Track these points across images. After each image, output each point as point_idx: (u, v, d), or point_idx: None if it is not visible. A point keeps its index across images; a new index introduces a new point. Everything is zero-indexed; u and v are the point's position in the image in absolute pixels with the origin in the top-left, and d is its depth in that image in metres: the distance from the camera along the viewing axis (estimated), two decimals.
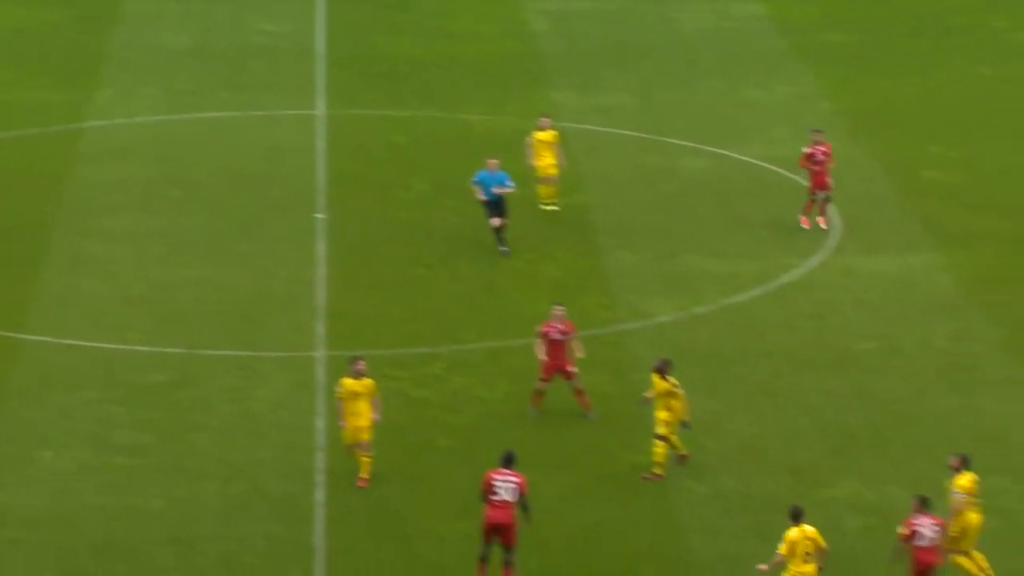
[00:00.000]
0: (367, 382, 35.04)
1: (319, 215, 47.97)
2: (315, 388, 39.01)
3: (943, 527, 30.55)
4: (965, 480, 31.60)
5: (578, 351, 38.07)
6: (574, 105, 57.07)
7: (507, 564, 31.63)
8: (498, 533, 31.82)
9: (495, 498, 31.66)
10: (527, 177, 47.99)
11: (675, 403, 35.35)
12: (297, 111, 56.51)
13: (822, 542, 31.07)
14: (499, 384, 39.35)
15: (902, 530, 30.40)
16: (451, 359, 40.35)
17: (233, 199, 49.83)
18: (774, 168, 51.80)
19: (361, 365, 35.12)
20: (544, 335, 37.73)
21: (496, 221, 45.18)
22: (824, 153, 46.95)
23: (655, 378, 35.26)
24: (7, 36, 64.10)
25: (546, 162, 48.08)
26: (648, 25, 65.53)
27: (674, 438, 35.41)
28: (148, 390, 38.96)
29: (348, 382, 35.05)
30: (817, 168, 46.91)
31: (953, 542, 31.34)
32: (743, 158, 52.64)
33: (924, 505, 30.55)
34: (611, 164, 52.38)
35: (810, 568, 30.81)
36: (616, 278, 44.92)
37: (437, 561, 32.91)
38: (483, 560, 31.84)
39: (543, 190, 48.45)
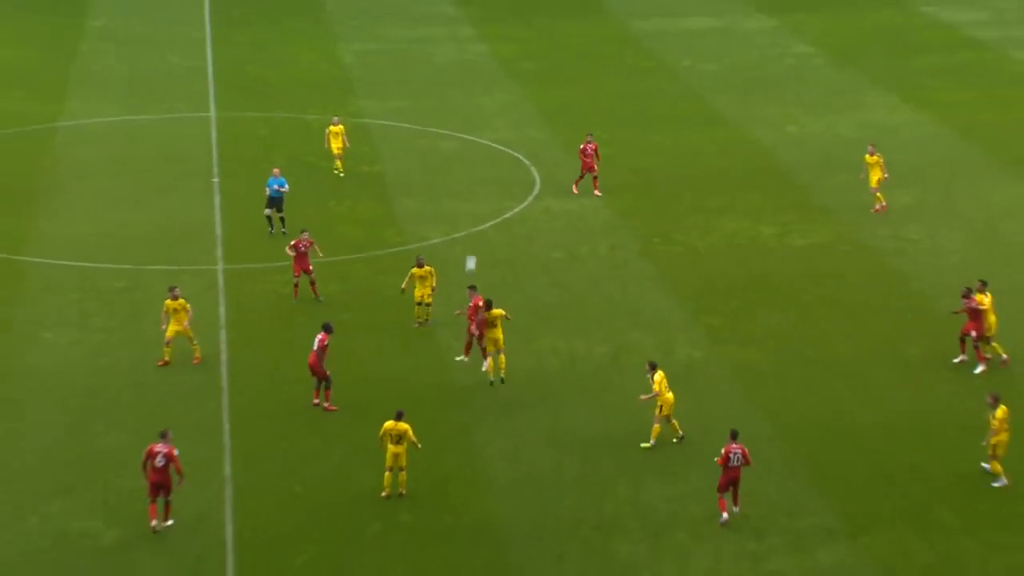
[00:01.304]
0: (182, 302, 33.98)
1: (215, 179, 47.45)
2: (218, 289, 38.57)
3: (744, 452, 27.57)
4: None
5: (318, 255, 37.83)
6: (373, 108, 56.57)
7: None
8: None
9: None
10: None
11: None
12: (197, 114, 55.71)
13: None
14: (333, 284, 38.86)
15: (719, 458, 27.61)
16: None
17: (159, 170, 49.24)
18: (498, 146, 51.65)
19: (177, 291, 34.12)
20: (294, 247, 37.24)
21: (268, 211, 42.18)
22: (592, 148, 45.57)
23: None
24: (2, 66, 62.17)
25: (335, 145, 47.67)
26: (415, 58, 64.89)
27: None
28: (112, 292, 38.78)
29: (168, 302, 33.95)
30: (586, 158, 45.50)
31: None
32: (479, 140, 52.56)
33: (734, 437, 27.77)
34: (397, 146, 52.05)
35: None
36: (402, 216, 44.81)
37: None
38: None
39: (335, 164, 47.74)
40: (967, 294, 34.39)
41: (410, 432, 28.16)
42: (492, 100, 58.04)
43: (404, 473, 28.39)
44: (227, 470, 29.53)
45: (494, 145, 52.00)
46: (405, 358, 34.84)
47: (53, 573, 26.19)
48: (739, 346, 35.49)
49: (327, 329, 32.13)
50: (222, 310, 37.22)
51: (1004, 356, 34.46)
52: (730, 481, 27.63)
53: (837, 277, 39.96)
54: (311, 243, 37.93)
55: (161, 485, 26.92)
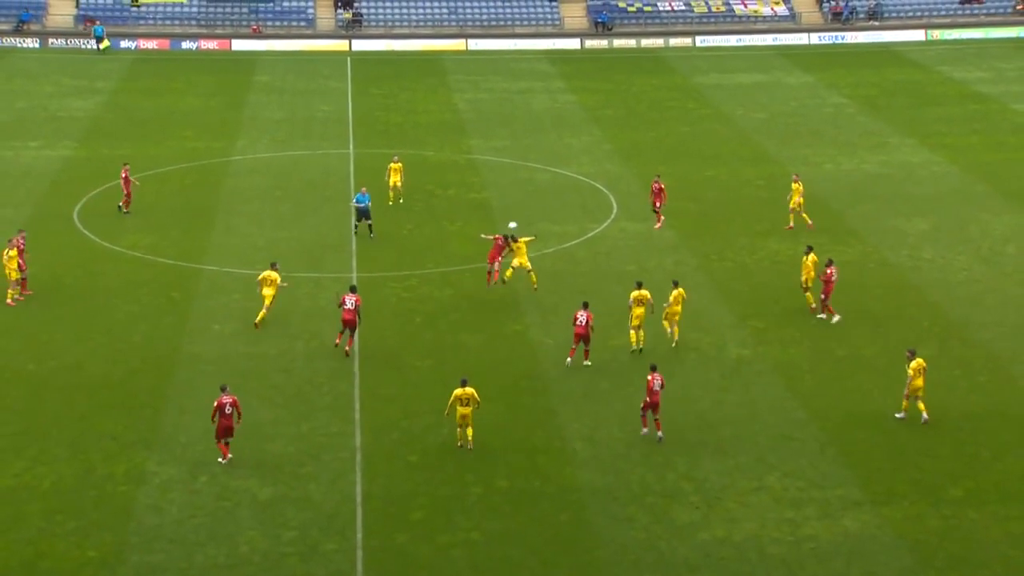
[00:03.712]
0: (275, 276, 34.89)
1: (353, 203, 47.56)
2: None
3: (662, 381, 28.50)
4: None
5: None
6: (481, 147, 56.54)
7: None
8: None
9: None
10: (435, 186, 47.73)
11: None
12: (339, 150, 55.91)
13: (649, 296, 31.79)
14: (446, 289, 39.04)
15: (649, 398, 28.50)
16: (421, 277, 40.08)
17: (307, 195, 49.32)
18: (582, 178, 51.35)
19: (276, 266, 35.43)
20: (497, 248, 37.40)
21: (360, 222, 42.53)
22: (658, 186, 44.77)
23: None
24: (188, 112, 63.25)
25: (394, 179, 46.86)
26: (516, 105, 64.96)
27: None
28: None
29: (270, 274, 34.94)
30: (655, 195, 44.74)
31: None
32: (567, 173, 52.24)
33: (654, 369, 28.51)
34: (499, 177, 51.78)
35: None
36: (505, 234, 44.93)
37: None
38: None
39: (391, 194, 46.26)
40: (829, 264, 35.96)
41: (475, 394, 28.17)
42: (578, 140, 57.70)
43: (471, 430, 28.48)
44: (357, 441, 29.49)
45: (579, 177, 51.72)
46: (502, 351, 34.58)
47: (220, 522, 26.16)
48: (780, 346, 34.90)
49: (353, 290, 33.10)
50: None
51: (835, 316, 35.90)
52: (651, 405, 28.39)
53: (863, 289, 39.04)
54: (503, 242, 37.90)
55: (229, 428, 27.52)
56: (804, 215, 44.71)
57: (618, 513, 26.52)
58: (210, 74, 72.52)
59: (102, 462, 28.18)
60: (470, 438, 28.60)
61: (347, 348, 33.25)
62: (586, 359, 32.96)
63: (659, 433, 28.70)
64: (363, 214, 42.93)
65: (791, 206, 44.79)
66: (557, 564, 24.87)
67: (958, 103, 65.17)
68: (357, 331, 33.31)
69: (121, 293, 38.43)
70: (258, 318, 35.02)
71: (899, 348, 34.71)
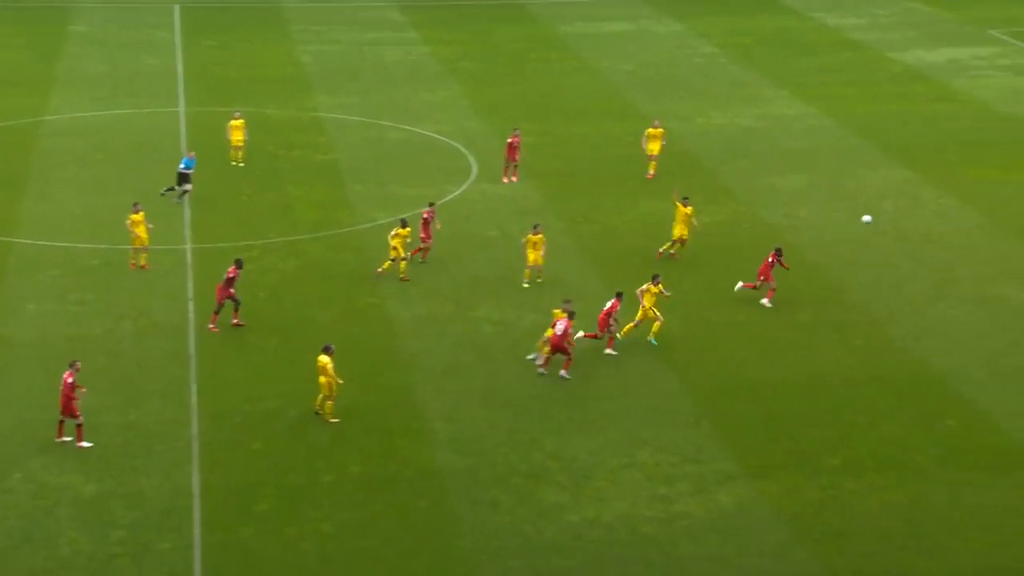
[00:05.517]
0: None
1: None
2: (185, 266, 38.02)
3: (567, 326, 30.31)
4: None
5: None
6: (327, 103, 55.80)
7: None
8: None
9: None
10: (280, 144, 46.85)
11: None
12: (168, 108, 54.68)
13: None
14: (291, 260, 38.66)
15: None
16: (264, 247, 39.52)
17: (132, 158, 48.13)
18: (439, 137, 51.14)
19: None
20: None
21: (177, 188, 42.09)
22: (517, 140, 44.96)
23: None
24: None
25: (236, 137, 46.49)
26: (366, 57, 64.20)
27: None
28: (88, 269, 37.86)
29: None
30: (511, 150, 44.88)
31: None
32: (422, 131, 51.90)
33: (571, 313, 30.48)
34: (348, 136, 51.23)
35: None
36: (354, 200, 44.05)
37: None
38: None
39: (232, 154, 46.05)
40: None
41: (327, 366, 28.27)
42: (434, 96, 57.23)
43: (329, 403, 28.79)
44: (194, 428, 29.05)
45: (435, 136, 51.43)
46: (355, 327, 34.38)
47: (36, 524, 25.43)
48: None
49: (238, 264, 33.16)
50: (190, 284, 36.71)
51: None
52: (555, 348, 30.54)
53: (738, 250, 39.88)
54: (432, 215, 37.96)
55: (66, 407, 27.75)
56: (653, 163, 46.03)
57: (481, 497, 26.66)
58: (16, 23, 69.90)
59: None
60: (327, 410, 28.76)
61: (234, 321, 33.38)
62: (564, 370, 31.26)
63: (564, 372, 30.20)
64: (183, 179, 42.22)
65: (651, 153, 46.03)
66: (416, 553, 24.91)
67: (833, 51, 66.86)
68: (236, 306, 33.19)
69: None
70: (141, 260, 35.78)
71: (775, 313, 35.59)
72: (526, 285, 36.69)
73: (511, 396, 30.78)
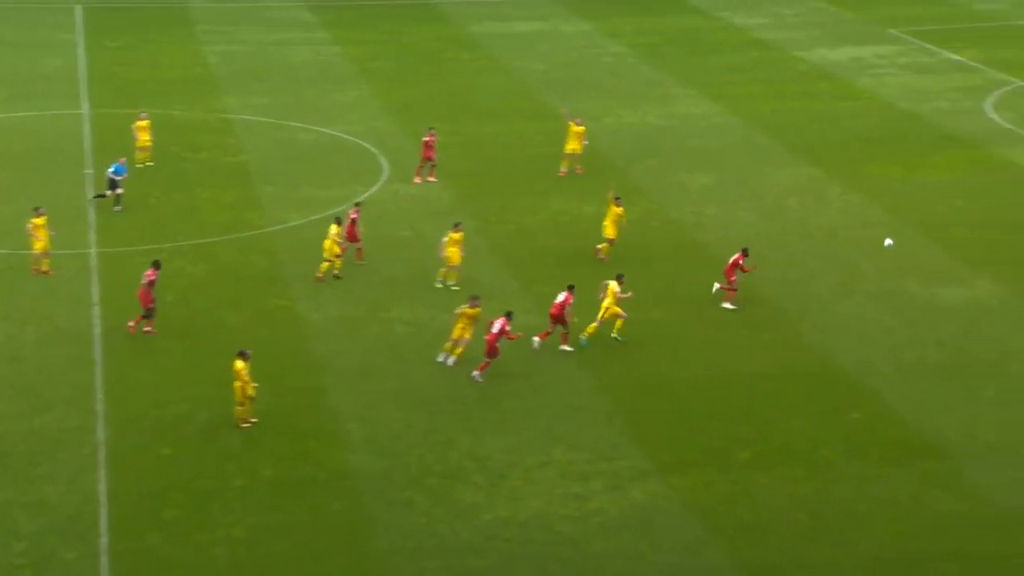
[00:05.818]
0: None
1: (88, 170, 45.77)
2: (90, 270, 37.54)
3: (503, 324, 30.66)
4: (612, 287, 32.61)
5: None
6: (236, 104, 55.35)
7: None
8: None
9: None
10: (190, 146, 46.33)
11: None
12: (71, 111, 53.76)
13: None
14: (200, 264, 38.40)
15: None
16: (172, 250, 39.07)
17: (33, 161, 47.19)
18: (350, 138, 50.94)
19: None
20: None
21: (109, 193, 41.44)
22: (432, 140, 44.92)
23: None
24: None
25: (143, 138, 45.94)
26: (274, 58, 63.68)
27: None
28: None
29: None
30: (427, 149, 44.85)
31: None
32: (333, 132, 51.69)
33: (510, 316, 30.91)
34: (257, 138, 50.86)
35: None
36: (265, 201, 43.77)
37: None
38: None
39: (139, 156, 45.56)
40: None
41: (243, 371, 28.13)
42: (344, 96, 57.02)
43: (239, 408, 28.64)
44: (100, 434, 28.63)
45: (347, 136, 51.22)
46: (265, 329, 34.05)
47: None
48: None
49: (156, 265, 32.83)
50: (95, 289, 36.24)
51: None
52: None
53: (648, 249, 40.19)
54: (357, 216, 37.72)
55: None
56: (567, 160, 46.39)
57: (396, 498, 26.58)
58: None
59: None
60: (238, 415, 28.67)
61: (146, 329, 32.85)
62: (564, 343, 32.51)
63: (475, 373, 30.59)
64: (113, 186, 41.91)
65: (568, 151, 46.30)
66: (330, 556, 24.75)
67: (739, 50, 67.73)
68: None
69: None
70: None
71: (686, 311, 35.95)
72: (439, 285, 36.60)
73: (425, 397, 30.71)
